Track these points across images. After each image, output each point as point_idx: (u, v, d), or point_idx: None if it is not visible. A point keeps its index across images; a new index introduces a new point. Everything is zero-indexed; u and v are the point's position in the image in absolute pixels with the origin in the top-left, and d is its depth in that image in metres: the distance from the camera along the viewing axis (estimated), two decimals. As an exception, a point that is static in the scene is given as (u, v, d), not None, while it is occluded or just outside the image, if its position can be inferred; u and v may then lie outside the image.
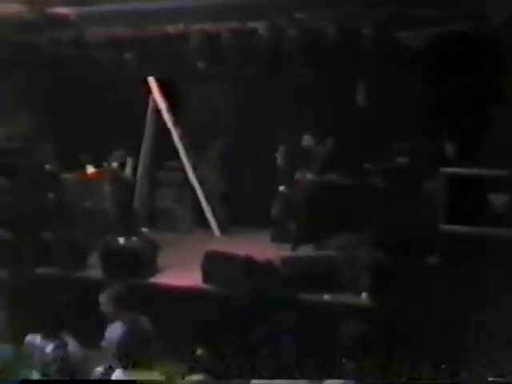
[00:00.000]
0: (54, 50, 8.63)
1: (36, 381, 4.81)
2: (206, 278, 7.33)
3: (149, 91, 9.69)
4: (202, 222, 9.64)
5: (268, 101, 8.98)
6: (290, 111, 8.96)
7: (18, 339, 5.42)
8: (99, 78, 9.00)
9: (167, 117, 9.67)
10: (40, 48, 8.71)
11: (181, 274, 7.73)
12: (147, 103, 9.81)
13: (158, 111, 9.76)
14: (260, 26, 7.82)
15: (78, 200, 9.16)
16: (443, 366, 4.26)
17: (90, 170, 9.41)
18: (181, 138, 9.59)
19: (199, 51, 8.15)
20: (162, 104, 9.66)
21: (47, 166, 9.42)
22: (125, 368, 4.34)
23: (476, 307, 5.84)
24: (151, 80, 9.54)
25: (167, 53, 8.33)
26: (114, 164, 9.06)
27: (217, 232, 9.50)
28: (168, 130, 9.67)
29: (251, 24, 7.89)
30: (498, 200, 6.61)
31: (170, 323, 6.35)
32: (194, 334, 5.27)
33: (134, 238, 8.19)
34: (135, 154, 9.72)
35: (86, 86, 9.14)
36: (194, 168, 9.62)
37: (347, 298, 6.78)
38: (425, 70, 7.55)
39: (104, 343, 5.31)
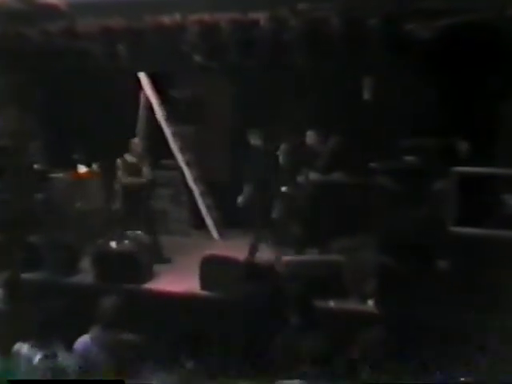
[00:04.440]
0: (43, 41, 8.60)
1: (25, 380, 4.91)
2: (204, 283, 7.36)
3: (140, 87, 9.68)
4: (200, 224, 9.65)
5: (269, 96, 8.99)
6: (292, 107, 8.99)
7: (5, 348, 5.41)
8: (91, 72, 8.99)
9: (160, 113, 9.66)
10: (28, 40, 8.69)
11: (177, 279, 7.75)
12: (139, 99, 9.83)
13: (150, 107, 9.76)
14: (261, 16, 7.80)
15: (69, 201, 9.19)
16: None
17: (82, 169, 9.42)
18: (175, 136, 9.59)
19: (196, 43, 8.11)
20: (153, 100, 9.65)
21: (36, 165, 9.42)
22: None
23: (489, 313, 5.83)
24: (142, 75, 9.52)
25: (162, 45, 8.31)
26: (129, 157, 8.98)
27: (215, 235, 9.51)
28: (161, 127, 9.67)
29: (252, 15, 7.87)
30: (512, 200, 6.62)
31: (165, 331, 6.33)
32: (190, 343, 5.27)
33: (127, 241, 8.20)
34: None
35: (76, 80, 9.13)
36: (190, 167, 9.61)
37: (353, 305, 6.81)
38: (435, 63, 7.53)
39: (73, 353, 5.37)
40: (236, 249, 8.22)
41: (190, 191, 9.66)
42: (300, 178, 8.56)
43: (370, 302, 6.75)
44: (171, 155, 9.74)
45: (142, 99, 9.82)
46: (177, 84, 9.80)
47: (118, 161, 8.80)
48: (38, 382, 4.93)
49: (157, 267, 8.16)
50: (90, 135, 9.39)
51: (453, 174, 6.83)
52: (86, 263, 8.12)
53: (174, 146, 9.60)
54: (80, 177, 9.45)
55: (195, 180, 9.63)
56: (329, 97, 8.59)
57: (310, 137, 8.59)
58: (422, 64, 7.58)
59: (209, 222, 9.58)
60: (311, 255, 8.09)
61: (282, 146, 8.90)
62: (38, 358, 5.14)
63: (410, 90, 8.04)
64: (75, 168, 9.47)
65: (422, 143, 7.92)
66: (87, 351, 5.26)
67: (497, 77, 7.37)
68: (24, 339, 5.35)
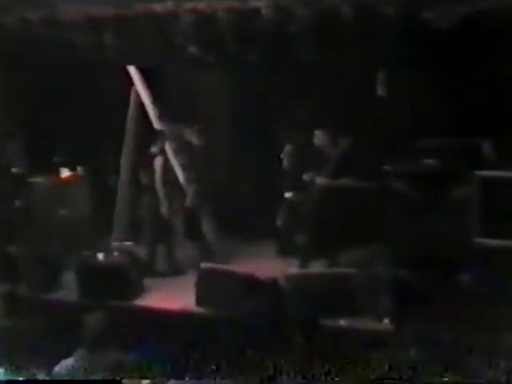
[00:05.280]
0: (22, 31, 8.57)
1: (22, 380, 5.13)
2: (200, 299, 7.31)
3: (130, 82, 9.62)
4: (195, 234, 9.54)
5: (272, 93, 8.97)
6: (297, 104, 8.94)
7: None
8: (76, 65, 8.96)
9: (152, 111, 9.58)
10: (6, 29, 8.65)
11: (170, 295, 7.70)
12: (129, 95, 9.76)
13: (141, 105, 9.68)
14: (263, 4, 7.74)
15: (50, 208, 9.11)
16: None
17: (65, 172, 9.33)
18: (168, 136, 9.52)
19: (191, 34, 8.09)
20: (144, 96, 9.58)
21: (14, 169, 9.34)
22: None
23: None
24: (132, 69, 9.45)
25: (154, 36, 8.27)
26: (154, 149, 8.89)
27: (213, 245, 9.41)
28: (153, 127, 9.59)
29: (252, 2, 7.81)
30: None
31: (157, 352, 6.23)
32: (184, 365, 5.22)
33: (116, 253, 8.17)
34: (116, 154, 9.62)
35: (59, 75, 9.10)
36: (185, 169, 9.54)
37: (367, 324, 6.73)
38: (456, 56, 7.49)
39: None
40: (236, 261, 8.17)
41: (184, 197, 9.56)
42: (306, 183, 8.45)
43: (386, 321, 6.66)
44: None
45: (132, 95, 9.76)
46: (170, 79, 9.72)
47: (158, 160, 8.71)
48: (35, 381, 5.08)
49: (148, 282, 8.19)
50: (75, 135, 9.32)
51: (476, 179, 6.74)
52: (69, 277, 8.05)
53: (167, 146, 9.51)
54: (62, 181, 9.37)
55: (190, 184, 9.53)
56: (338, 93, 8.60)
57: (318, 137, 8.51)
58: (441, 57, 7.53)
59: (205, 230, 9.48)
60: (318, 268, 8.05)
61: (286, 148, 8.86)
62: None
63: (428, 85, 8.03)
64: (57, 171, 9.35)
65: (442, 144, 7.82)
66: (70, 375, 5.16)
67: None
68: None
